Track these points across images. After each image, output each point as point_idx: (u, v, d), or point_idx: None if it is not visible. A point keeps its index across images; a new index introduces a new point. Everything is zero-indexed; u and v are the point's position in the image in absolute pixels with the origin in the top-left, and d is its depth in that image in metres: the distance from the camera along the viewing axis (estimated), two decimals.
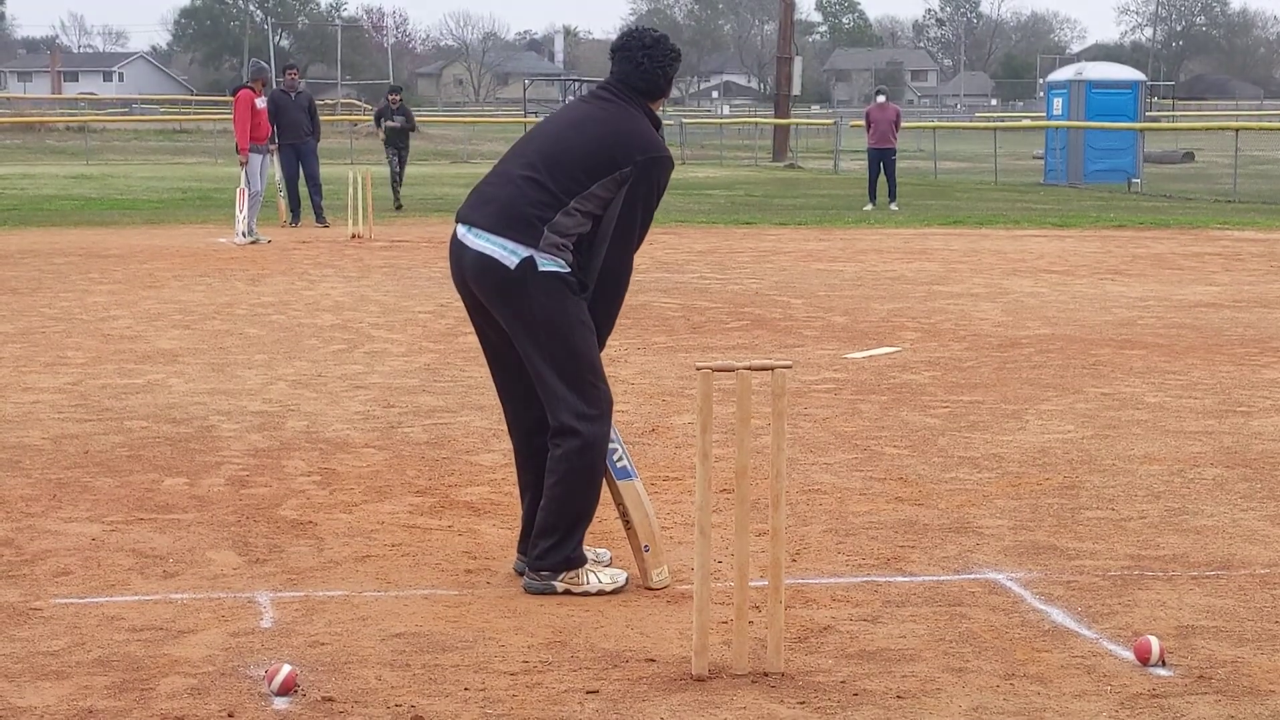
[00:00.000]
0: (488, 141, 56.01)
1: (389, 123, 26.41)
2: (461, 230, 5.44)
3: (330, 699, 4.51)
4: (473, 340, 11.50)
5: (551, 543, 5.46)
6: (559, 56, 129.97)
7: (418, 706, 4.46)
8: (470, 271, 5.40)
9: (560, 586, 5.51)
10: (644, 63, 5.47)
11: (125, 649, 4.94)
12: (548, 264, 5.30)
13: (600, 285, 5.39)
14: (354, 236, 20.32)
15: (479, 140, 55.13)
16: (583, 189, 5.32)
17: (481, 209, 5.42)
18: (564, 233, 5.32)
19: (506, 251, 5.31)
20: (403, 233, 21.29)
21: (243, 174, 20.18)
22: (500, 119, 68.15)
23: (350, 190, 20.55)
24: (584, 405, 5.35)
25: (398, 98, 27.02)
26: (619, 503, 5.54)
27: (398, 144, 26.67)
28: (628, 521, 5.52)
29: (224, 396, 9.33)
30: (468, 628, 5.18)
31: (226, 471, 7.44)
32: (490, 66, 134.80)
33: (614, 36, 5.76)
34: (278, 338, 11.71)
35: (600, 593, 5.49)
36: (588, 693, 4.58)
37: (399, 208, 25.80)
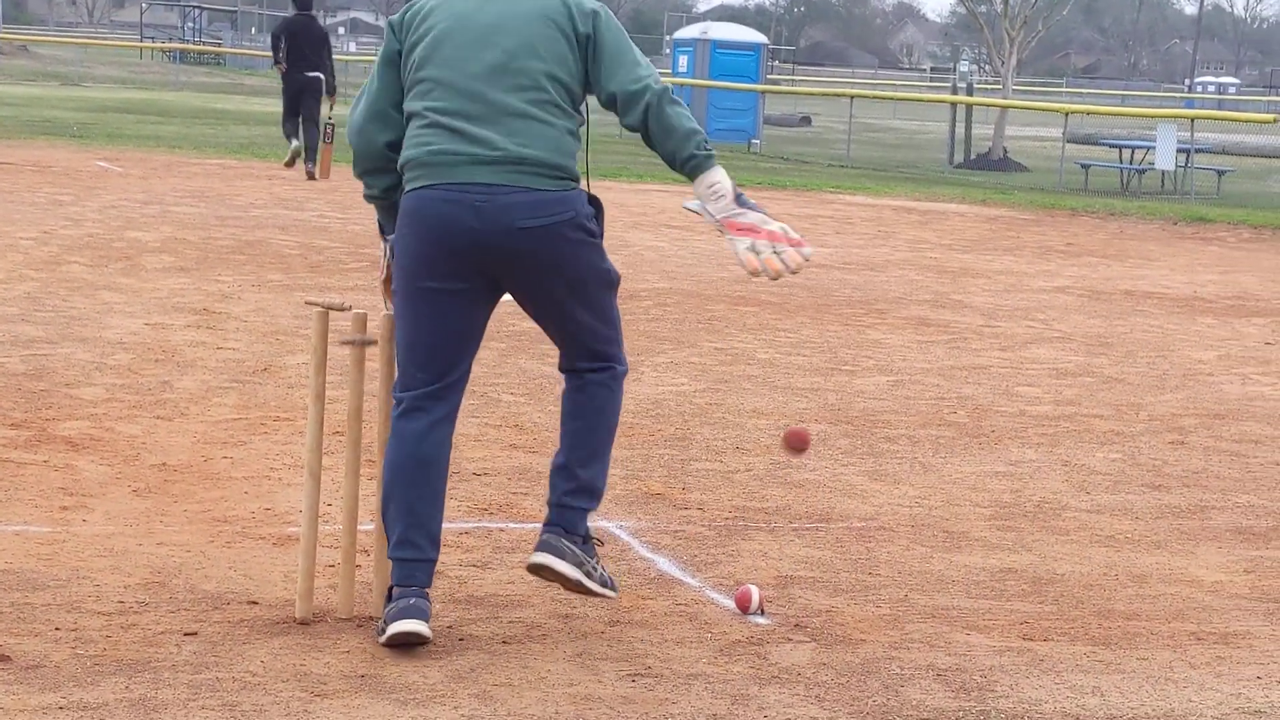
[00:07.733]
0: (101, 65, 53.87)
1: None
2: None
3: None
4: (76, 270, 11.11)
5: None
6: None
7: (5, 646, 4.26)
8: None
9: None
10: None
11: None
12: None
13: None
14: None
15: (91, 63, 52.84)
16: None
17: None
18: None
19: None
20: (5, 155, 20.33)
21: None
22: (115, 42, 65.71)
23: None
24: None
25: None
26: None
27: None
28: None
29: None
30: (61, 566, 4.98)
31: None
32: None
33: None
34: None
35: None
36: (185, 634, 4.45)
37: None
